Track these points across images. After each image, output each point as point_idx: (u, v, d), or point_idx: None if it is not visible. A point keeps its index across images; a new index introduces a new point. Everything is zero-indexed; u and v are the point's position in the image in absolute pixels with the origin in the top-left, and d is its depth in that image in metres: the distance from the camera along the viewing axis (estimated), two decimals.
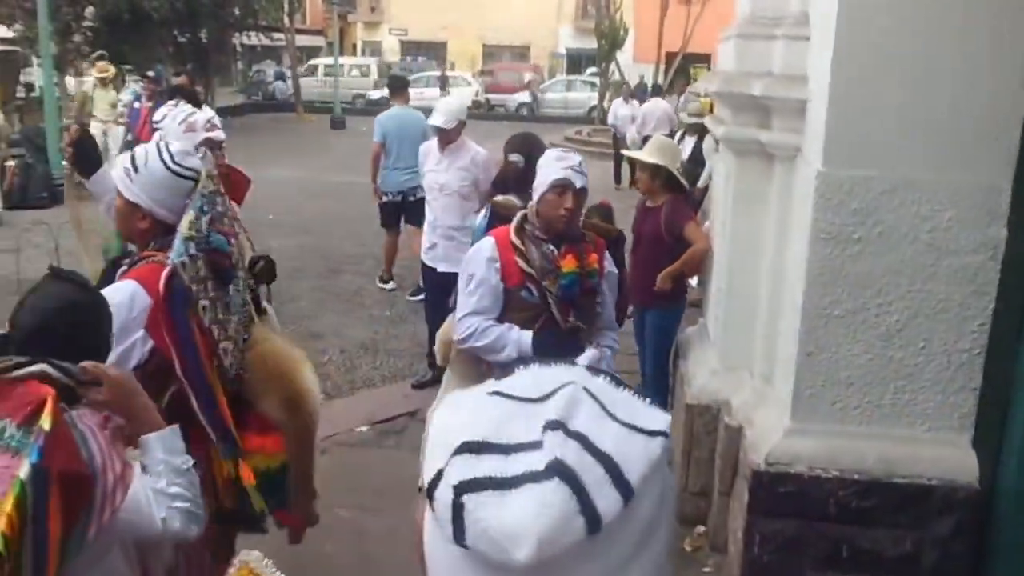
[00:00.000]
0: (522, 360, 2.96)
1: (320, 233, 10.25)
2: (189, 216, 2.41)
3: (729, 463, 3.67)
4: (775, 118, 3.63)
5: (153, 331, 2.30)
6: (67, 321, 1.90)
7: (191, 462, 1.98)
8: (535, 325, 3.10)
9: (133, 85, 13.12)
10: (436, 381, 5.78)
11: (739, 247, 3.93)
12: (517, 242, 3.10)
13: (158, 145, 2.59)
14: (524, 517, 0.69)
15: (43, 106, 13.75)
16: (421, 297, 7.64)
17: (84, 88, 14.77)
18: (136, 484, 1.81)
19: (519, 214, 3.20)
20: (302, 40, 36.01)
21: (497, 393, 0.82)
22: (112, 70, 13.53)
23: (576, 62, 38.85)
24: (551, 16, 40.63)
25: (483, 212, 3.63)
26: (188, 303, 2.33)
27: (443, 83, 29.55)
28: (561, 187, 3.04)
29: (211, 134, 2.99)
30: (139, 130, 10.16)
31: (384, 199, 7.84)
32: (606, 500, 0.71)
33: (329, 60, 31.58)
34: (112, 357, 2.22)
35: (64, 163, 3.41)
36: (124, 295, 2.33)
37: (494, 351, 3.11)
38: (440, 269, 5.56)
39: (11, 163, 12.24)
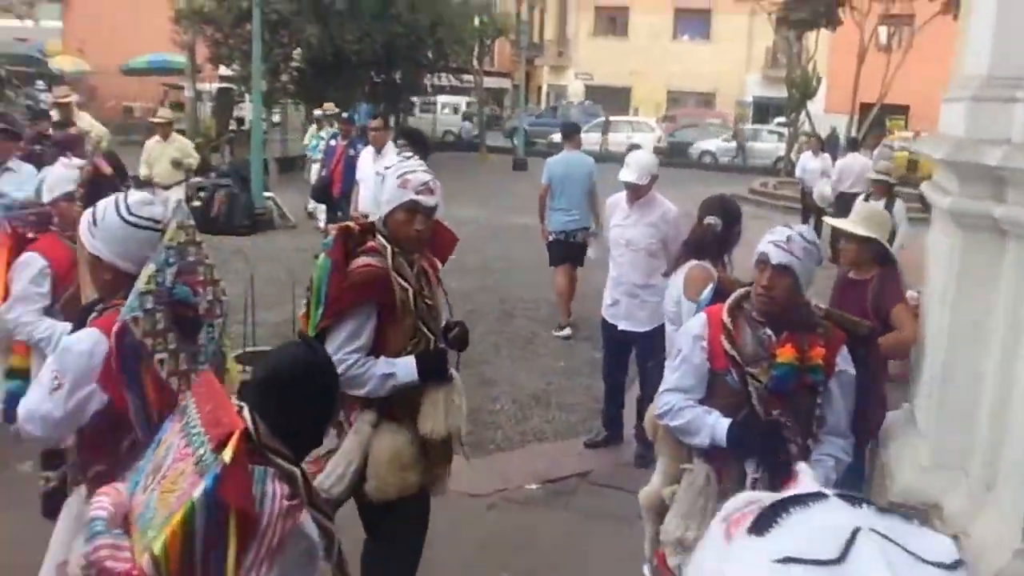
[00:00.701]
0: (716, 449, 2.76)
1: (498, 275, 10.33)
2: (149, 270, 2.40)
3: None
4: (1012, 191, 3.26)
5: (104, 381, 2.35)
6: (294, 379, 2.00)
7: None
8: (741, 413, 2.83)
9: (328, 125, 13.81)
10: (609, 441, 5.61)
11: (961, 331, 3.53)
12: (727, 321, 2.86)
13: (116, 198, 2.57)
14: None
15: (251, 139, 14.78)
16: (566, 333, 8.03)
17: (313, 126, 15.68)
18: None
19: (739, 291, 2.95)
20: (489, 82, 37.01)
21: (789, 560, 0.76)
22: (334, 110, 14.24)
23: (763, 111, 37.91)
24: (740, 64, 39.98)
25: (707, 289, 3.39)
26: (139, 357, 2.34)
27: (605, 128, 29.54)
28: (760, 262, 2.82)
29: (420, 197, 2.95)
30: (333, 168, 10.65)
31: (549, 238, 8.21)
32: None
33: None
34: (72, 402, 2.38)
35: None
36: (87, 343, 2.39)
37: (688, 434, 2.89)
38: (621, 327, 5.39)
39: (220, 192, 13.18)
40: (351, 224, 3.15)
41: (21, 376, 3.78)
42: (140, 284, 2.36)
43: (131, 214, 2.51)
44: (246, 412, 1.91)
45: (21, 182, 5.56)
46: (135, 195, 2.63)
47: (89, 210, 2.60)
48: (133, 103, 27.24)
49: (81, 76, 27.30)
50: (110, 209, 2.52)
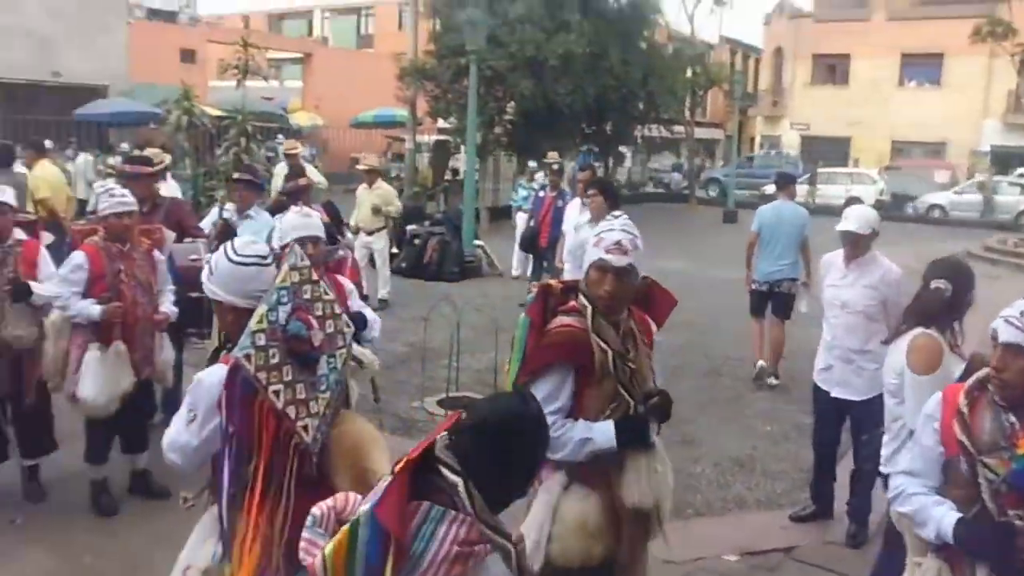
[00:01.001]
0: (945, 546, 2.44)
1: (704, 331, 10.03)
2: (261, 310, 2.57)
3: None
4: None
5: (219, 408, 2.54)
6: (504, 429, 1.98)
7: None
8: (972, 509, 2.50)
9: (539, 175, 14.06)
10: (818, 516, 5.23)
11: None
12: (962, 404, 2.54)
13: (225, 245, 2.82)
14: None
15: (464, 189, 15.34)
16: (760, 364, 8.15)
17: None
18: None
19: (984, 370, 2.61)
20: (700, 133, 36.64)
21: None
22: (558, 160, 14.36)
23: (1003, 161, 34.88)
24: (975, 110, 37.19)
25: (960, 368, 3.07)
26: (254, 391, 2.51)
27: (811, 180, 28.36)
28: (992, 339, 2.51)
29: (609, 257, 2.90)
30: (541, 218, 10.83)
31: (752, 287, 8.26)
32: None
33: None
34: (205, 431, 2.60)
35: None
36: (215, 378, 2.58)
37: (915, 523, 2.60)
38: (834, 393, 5.02)
39: (433, 239, 13.75)
40: (552, 283, 3.14)
41: None
42: (252, 324, 2.55)
43: (237, 254, 2.75)
44: (439, 437, 1.96)
45: (258, 229, 6.04)
46: (241, 239, 2.89)
47: (208, 261, 2.87)
48: (359, 154, 29.16)
49: (315, 130, 29.60)
50: (221, 255, 2.78)
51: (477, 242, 14.49)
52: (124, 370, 4.88)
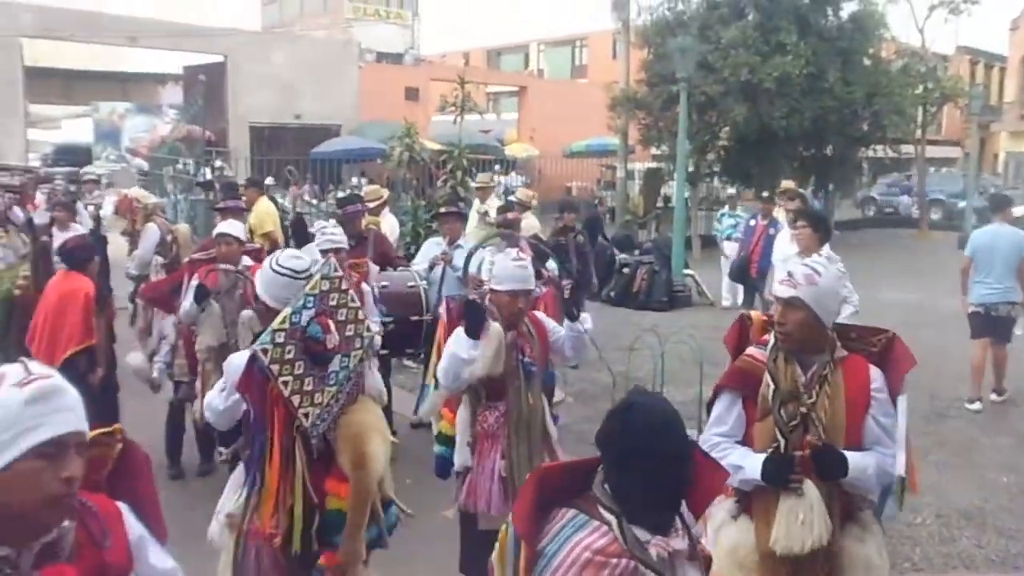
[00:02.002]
0: None
1: (930, 368, 9.21)
2: (286, 312, 3.02)
3: None
4: None
5: (237, 387, 3.08)
6: (605, 434, 2.03)
7: None
8: None
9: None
10: None
11: None
12: None
13: (275, 253, 3.37)
14: None
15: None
16: (977, 407, 7.89)
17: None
18: None
19: None
20: (933, 151, 34.10)
21: None
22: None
23: None
24: None
25: None
26: (266, 378, 2.97)
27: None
28: None
29: (778, 287, 2.91)
30: (751, 247, 10.47)
31: (969, 310, 8.23)
32: None
33: None
34: (229, 400, 3.17)
35: None
36: (242, 361, 3.07)
37: None
38: None
39: (642, 268, 13.69)
40: (753, 314, 3.25)
41: (448, 443, 4.08)
42: (275, 323, 3.01)
43: (278, 265, 3.28)
44: (599, 469, 2.05)
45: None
46: (287, 251, 3.46)
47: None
48: (571, 182, 29.61)
49: (529, 160, 30.38)
50: (269, 260, 3.35)
51: (687, 271, 14.26)
52: None
